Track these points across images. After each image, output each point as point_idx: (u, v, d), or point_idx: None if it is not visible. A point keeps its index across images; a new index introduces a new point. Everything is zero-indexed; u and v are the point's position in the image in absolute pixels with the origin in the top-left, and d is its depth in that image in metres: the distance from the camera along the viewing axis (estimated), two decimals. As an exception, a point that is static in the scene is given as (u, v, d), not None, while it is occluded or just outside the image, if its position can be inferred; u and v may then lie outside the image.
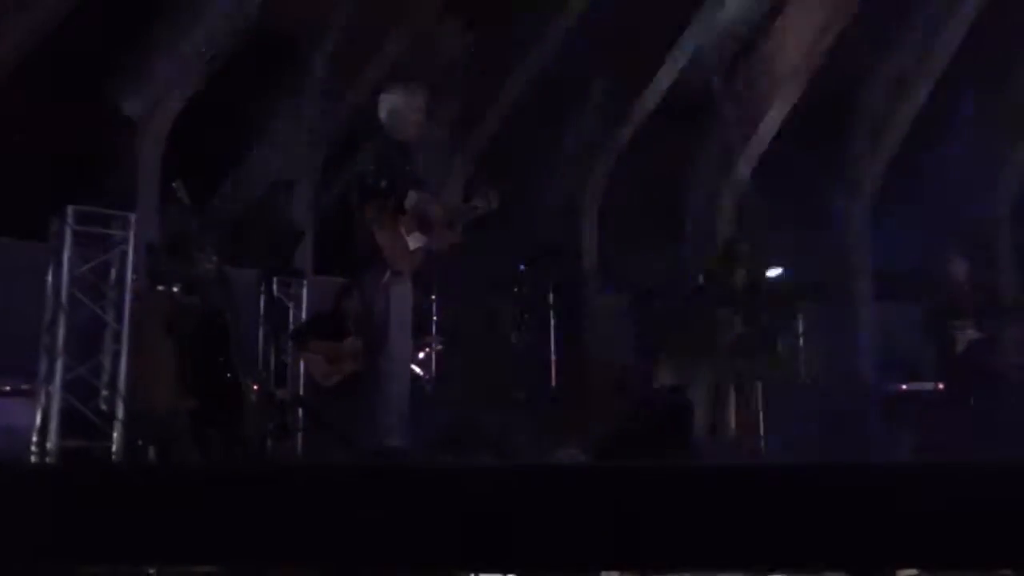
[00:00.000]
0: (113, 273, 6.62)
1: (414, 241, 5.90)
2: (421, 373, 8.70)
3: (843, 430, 9.21)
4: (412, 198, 5.84)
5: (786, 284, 9.13)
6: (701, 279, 8.90)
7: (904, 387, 10.70)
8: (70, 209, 6.41)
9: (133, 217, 6.72)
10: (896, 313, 12.01)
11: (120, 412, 6.42)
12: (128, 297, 6.60)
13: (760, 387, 8.39)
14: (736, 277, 8.71)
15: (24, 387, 7.55)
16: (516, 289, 9.22)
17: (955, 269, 9.11)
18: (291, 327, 10.44)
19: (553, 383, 9.09)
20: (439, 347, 8.83)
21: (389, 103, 6.08)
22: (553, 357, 9.21)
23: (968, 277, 9.10)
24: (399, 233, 5.86)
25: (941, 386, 10.27)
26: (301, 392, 9.67)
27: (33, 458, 6.27)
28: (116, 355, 6.55)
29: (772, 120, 12.90)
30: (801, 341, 11.92)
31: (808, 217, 13.30)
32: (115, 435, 6.40)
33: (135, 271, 6.71)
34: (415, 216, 5.92)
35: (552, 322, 9.29)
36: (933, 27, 12.40)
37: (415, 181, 6.00)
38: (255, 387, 7.88)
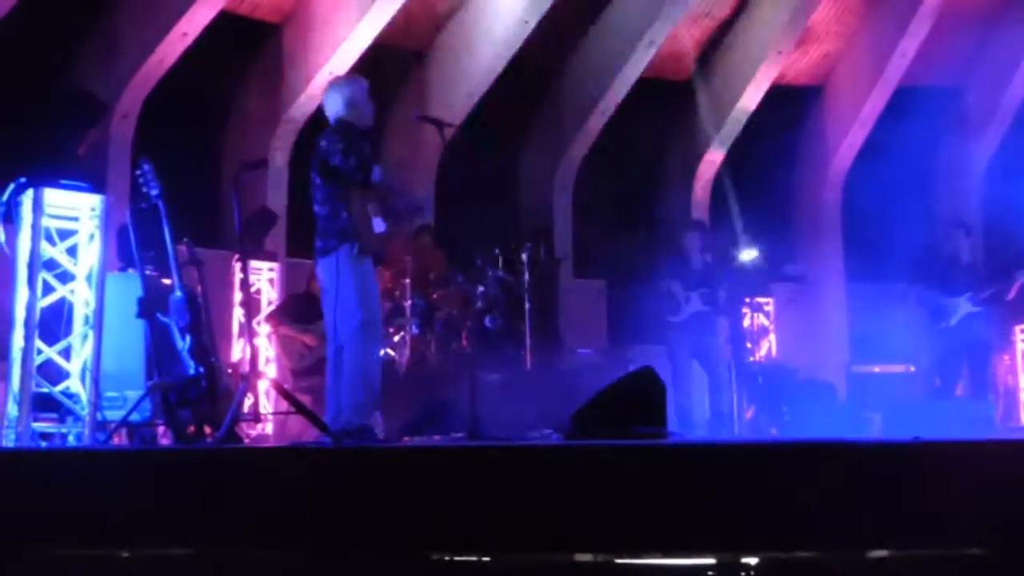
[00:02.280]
0: (84, 255, 6.57)
1: (377, 225, 6.00)
2: (395, 356, 8.70)
3: (813, 409, 9.29)
4: (378, 172, 5.97)
5: (752, 264, 9.15)
6: (661, 260, 8.95)
7: (877, 369, 10.81)
8: (40, 191, 6.35)
9: (104, 199, 6.66)
10: (868, 293, 12.10)
11: (91, 394, 6.38)
12: (99, 279, 6.55)
13: (731, 366, 8.44)
14: (694, 259, 8.75)
15: (-6, 370, 7.51)
16: (491, 272, 9.22)
17: (955, 244, 9.15)
18: (264, 309, 10.43)
19: (528, 366, 9.11)
20: (414, 330, 8.84)
21: (347, 94, 6.24)
22: (528, 340, 9.21)
23: (967, 253, 9.16)
24: (365, 213, 5.94)
25: (912, 368, 10.37)
26: (275, 374, 9.67)
27: (4, 442, 6.22)
28: (87, 338, 6.51)
29: (746, 103, 12.92)
30: (771, 320, 12.02)
31: (780, 197, 13.39)
32: (87, 417, 6.36)
33: (107, 252, 6.66)
34: (380, 200, 6.03)
35: (527, 305, 9.28)
36: (904, 8, 12.45)
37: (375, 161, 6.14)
38: (228, 369, 7.86)
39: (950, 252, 9.14)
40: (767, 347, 12.08)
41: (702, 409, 8.49)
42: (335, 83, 6.52)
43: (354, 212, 5.93)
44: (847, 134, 13.27)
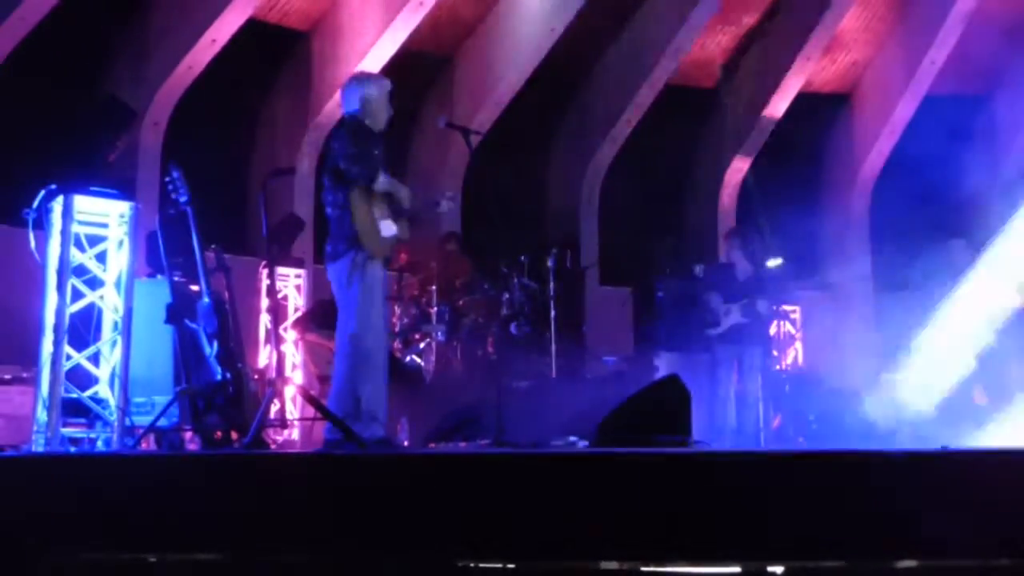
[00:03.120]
0: (113, 261, 6.62)
1: (386, 228, 5.96)
2: (421, 363, 8.71)
3: (842, 418, 9.22)
4: (383, 182, 5.91)
5: (785, 273, 9.08)
6: (699, 270, 8.90)
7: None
8: (71, 197, 6.40)
9: (133, 205, 6.70)
10: (896, 302, 12.02)
11: (120, 400, 6.42)
12: (128, 285, 6.59)
13: (759, 375, 8.40)
14: (735, 269, 8.73)
15: (24, 375, 7.57)
16: (517, 279, 9.22)
17: (954, 254, 9.09)
18: (291, 316, 10.47)
19: (553, 373, 9.10)
20: (440, 337, 8.85)
21: (364, 91, 6.16)
22: (553, 348, 9.21)
23: (966, 261, 9.09)
24: (372, 218, 5.91)
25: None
26: (301, 380, 9.71)
27: (34, 447, 6.27)
28: (115, 343, 6.55)
29: (773, 110, 12.89)
30: (798, 328, 11.97)
31: (808, 205, 13.32)
32: (115, 423, 6.40)
33: (135, 259, 6.70)
34: (387, 203, 5.98)
35: (553, 313, 9.27)
36: (933, 16, 12.39)
37: (381, 165, 6.06)
38: (255, 375, 7.89)
39: (950, 261, 9.09)
40: (793, 355, 12.03)
41: (731, 418, 8.46)
42: (357, 77, 6.42)
43: (358, 217, 5.88)
44: (875, 142, 13.22)
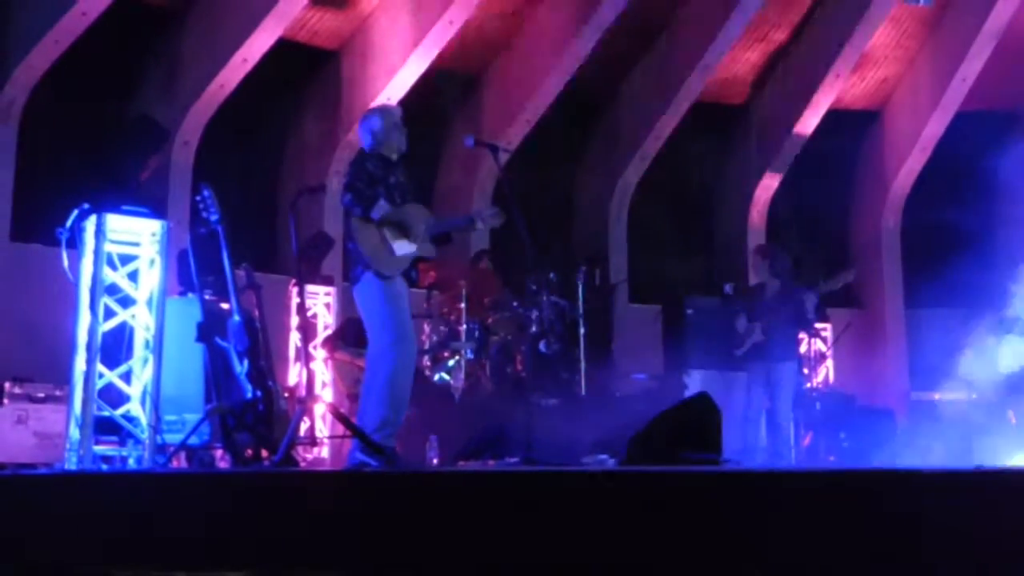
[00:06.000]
0: (145, 280, 6.66)
1: (400, 248, 6.00)
2: (451, 380, 8.71)
3: (872, 436, 9.17)
4: (382, 208, 5.94)
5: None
6: (729, 288, 8.87)
7: (937, 396, 10.65)
8: (103, 217, 6.45)
9: (165, 224, 6.75)
10: (928, 319, 11.95)
11: (151, 418, 6.45)
12: (159, 303, 6.64)
13: (789, 392, 8.35)
14: (757, 288, 8.69)
15: (57, 393, 7.63)
16: (546, 297, 9.21)
17: None
18: (320, 333, 10.50)
19: (582, 391, 9.08)
20: (469, 355, 8.84)
21: (371, 126, 6.29)
22: (582, 365, 9.19)
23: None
24: (381, 239, 5.97)
25: (974, 395, 10.21)
26: (331, 398, 9.72)
27: (66, 464, 6.31)
28: (147, 362, 6.59)
29: (803, 127, 12.84)
30: (829, 346, 11.89)
31: (837, 223, 13.27)
32: (146, 441, 6.44)
33: (167, 277, 6.75)
34: (394, 225, 6.02)
35: (582, 330, 9.27)
36: (964, 33, 12.33)
37: (397, 191, 6.09)
38: (285, 393, 7.92)
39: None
40: (824, 373, 11.96)
41: (762, 436, 8.42)
42: (365, 115, 6.59)
43: (364, 241, 5.98)
44: (906, 159, 13.13)
